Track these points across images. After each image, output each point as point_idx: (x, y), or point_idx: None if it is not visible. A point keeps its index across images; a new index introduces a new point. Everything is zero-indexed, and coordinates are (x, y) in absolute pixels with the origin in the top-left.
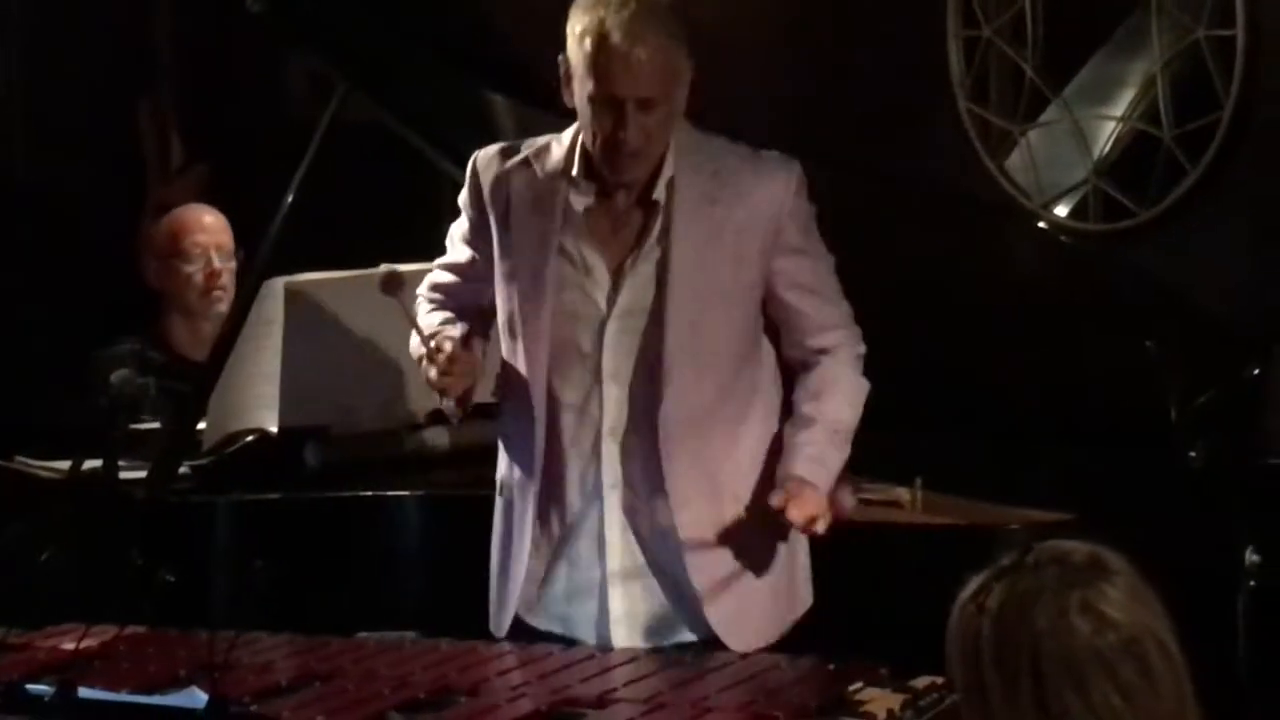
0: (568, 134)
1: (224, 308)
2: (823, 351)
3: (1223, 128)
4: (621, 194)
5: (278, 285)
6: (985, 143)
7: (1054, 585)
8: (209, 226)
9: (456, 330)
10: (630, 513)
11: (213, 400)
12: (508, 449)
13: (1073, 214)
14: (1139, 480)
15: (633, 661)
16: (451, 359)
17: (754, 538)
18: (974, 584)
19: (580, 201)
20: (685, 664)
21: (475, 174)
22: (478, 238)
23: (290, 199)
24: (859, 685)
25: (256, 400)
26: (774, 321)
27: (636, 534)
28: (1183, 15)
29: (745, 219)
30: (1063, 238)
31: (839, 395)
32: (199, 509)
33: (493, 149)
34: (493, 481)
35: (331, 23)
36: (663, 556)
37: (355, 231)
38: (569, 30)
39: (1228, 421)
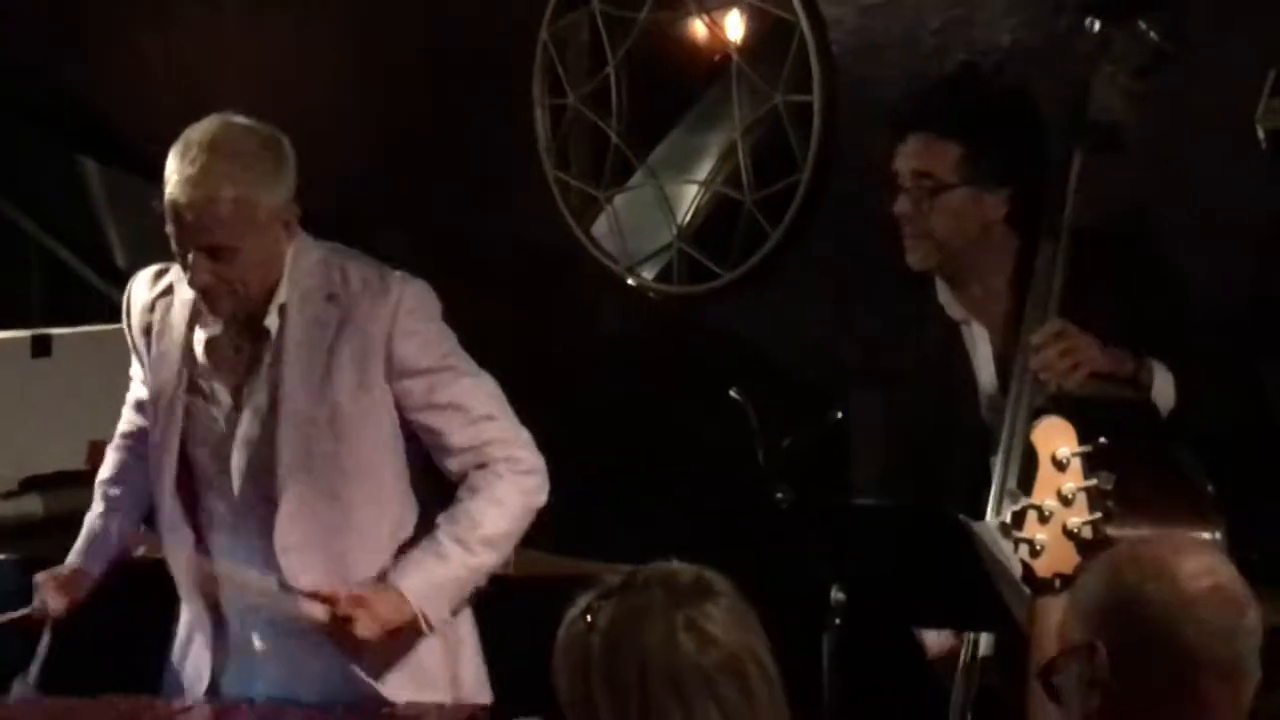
0: None
1: None
2: (470, 469)
3: (801, 191)
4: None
5: None
6: (571, 209)
7: (662, 604)
8: None
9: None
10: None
11: None
12: None
13: (658, 277)
14: (730, 525)
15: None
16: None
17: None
18: (582, 603)
19: (203, 333)
20: (334, 713)
21: (128, 299)
22: (138, 359)
23: None
24: None
25: None
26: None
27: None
28: (761, 83)
29: (359, 343)
30: (650, 294)
31: (472, 505)
32: None
33: (148, 272)
34: None
35: None
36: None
37: None
38: None
39: (812, 465)
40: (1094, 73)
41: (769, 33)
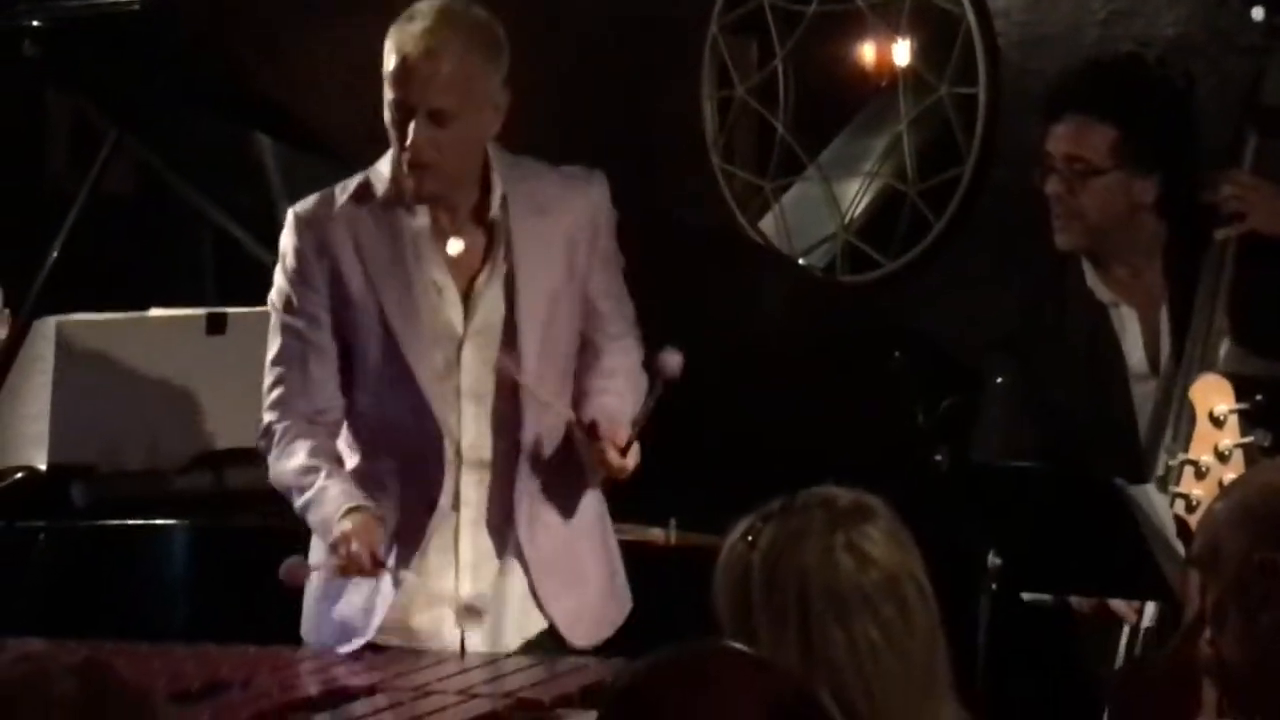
0: (384, 164)
1: None
2: (614, 341)
3: (964, 181)
4: (459, 213)
5: (49, 324)
6: (737, 200)
7: (821, 525)
8: None
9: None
10: (482, 529)
11: None
12: (360, 470)
13: (823, 269)
14: (887, 495)
15: (409, 657)
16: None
17: (588, 547)
18: (743, 525)
19: (417, 224)
20: (477, 664)
21: (300, 227)
22: (309, 290)
23: (61, 240)
24: None
25: (26, 437)
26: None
27: (489, 549)
28: (927, 75)
29: (571, 229)
30: (816, 275)
31: (627, 376)
32: None
33: (309, 201)
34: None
35: (103, 67)
36: (509, 569)
37: (122, 275)
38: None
39: (969, 430)
40: (1267, 59)
41: (934, 25)
